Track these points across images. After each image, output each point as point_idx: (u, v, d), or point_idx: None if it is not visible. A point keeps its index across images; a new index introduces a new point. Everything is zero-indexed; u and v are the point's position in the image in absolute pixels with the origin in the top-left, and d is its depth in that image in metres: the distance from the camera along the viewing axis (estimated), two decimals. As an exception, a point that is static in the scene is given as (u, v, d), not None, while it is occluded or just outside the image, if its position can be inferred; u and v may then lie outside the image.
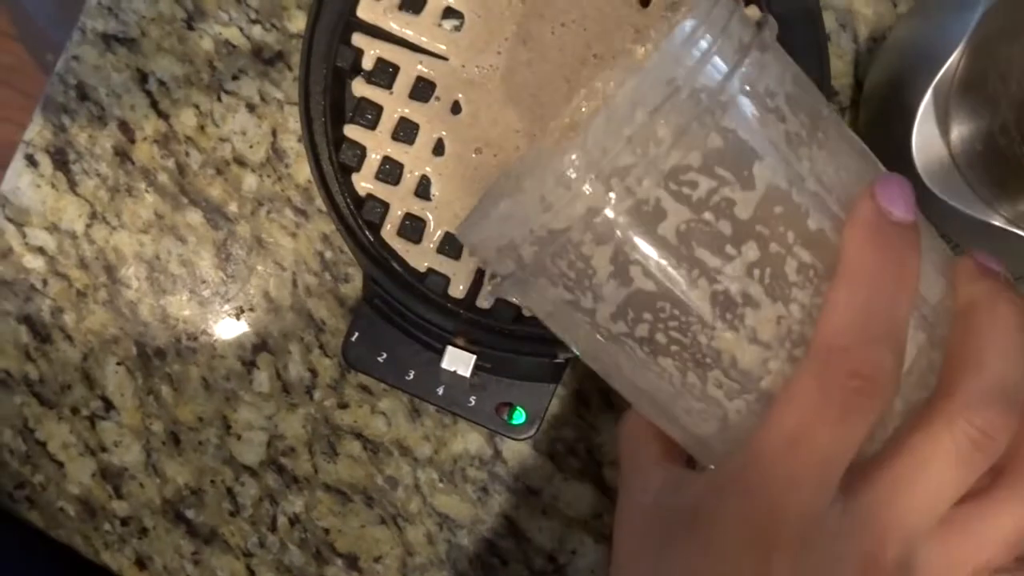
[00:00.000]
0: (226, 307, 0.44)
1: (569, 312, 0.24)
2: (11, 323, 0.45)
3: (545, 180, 0.22)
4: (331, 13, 0.39)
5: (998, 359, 0.23)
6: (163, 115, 0.44)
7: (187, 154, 0.44)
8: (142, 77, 0.44)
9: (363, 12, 0.39)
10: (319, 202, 0.43)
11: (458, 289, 0.39)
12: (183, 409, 0.45)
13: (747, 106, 0.23)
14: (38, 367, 0.45)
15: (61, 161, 0.45)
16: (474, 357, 0.38)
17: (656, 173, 0.22)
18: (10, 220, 0.45)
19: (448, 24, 0.39)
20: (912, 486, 0.23)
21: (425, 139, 0.38)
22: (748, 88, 0.23)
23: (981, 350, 0.24)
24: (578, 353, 0.27)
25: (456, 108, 0.38)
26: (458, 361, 0.39)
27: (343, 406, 0.44)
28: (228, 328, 0.44)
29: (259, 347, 0.44)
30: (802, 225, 0.23)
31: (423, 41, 0.39)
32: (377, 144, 0.39)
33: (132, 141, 0.44)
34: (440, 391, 0.40)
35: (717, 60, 0.23)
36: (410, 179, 0.39)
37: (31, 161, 0.45)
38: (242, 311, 0.44)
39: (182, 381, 0.45)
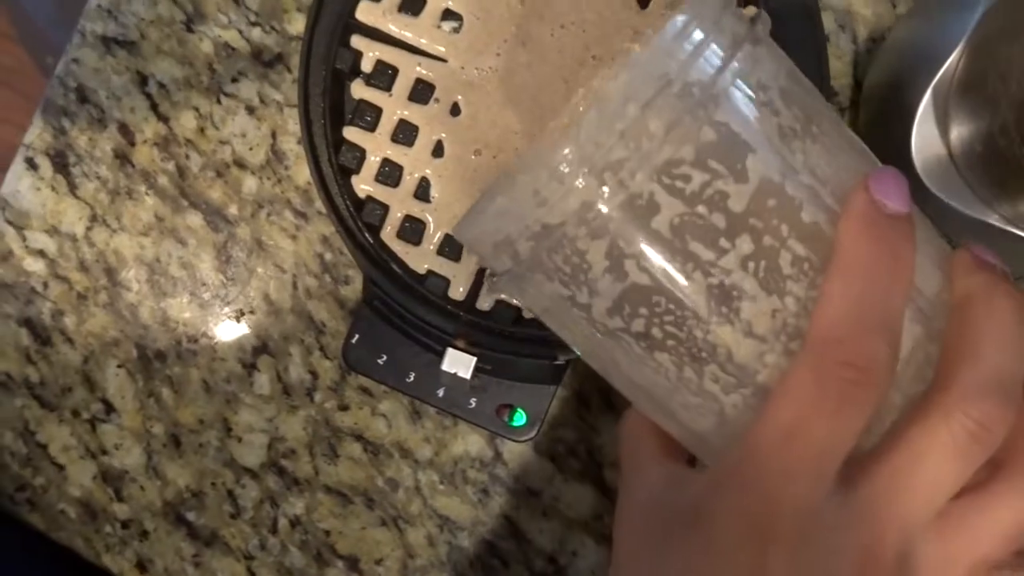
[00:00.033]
0: (226, 309, 0.44)
1: (566, 308, 0.24)
2: (12, 326, 0.45)
3: (539, 175, 0.22)
4: (330, 15, 0.39)
5: (994, 351, 0.23)
6: (163, 118, 0.44)
7: (187, 156, 0.44)
8: (142, 80, 0.44)
9: (362, 14, 0.39)
10: (319, 204, 0.43)
11: (458, 291, 0.39)
12: (184, 411, 0.45)
13: (740, 100, 0.23)
14: (39, 370, 0.45)
15: (61, 164, 0.45)
16: (474, 359, 0.39)
17: (649, 167, 0.22)
18: (10, 223, 0.45)
19: (447, 26, 0.39)
20: (910, 479, 0.23)
21: (424, 141, 0.38)
22: (741, 82, 0.23)
23: (977, 342, 0.24)
24: (576, 350, 0.27)
25: (455, 110, 0.38)
26: (458, 363, 0.39)
27: (343, 408, 0.44)
28: (228, 330, 0.44)
29: (259, 349, 0.44)
30: (796, 218, 0.23)
31: (422, 43, 0.39)
32: (377, 146, 0.39)
33: (132, 144, 0.44)
34: (440, 393, 0.40)
35: (709, 54, 0.23)
36: (410, 181, 0.39)
37: (31, 164, 0.45)
38: (242, 313, 0.44)
39: (183, 383, 0.45)
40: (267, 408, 0.44)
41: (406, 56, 0.38)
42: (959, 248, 0.26)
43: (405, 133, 0.39)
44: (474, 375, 0.39)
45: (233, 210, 0.44)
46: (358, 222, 0.39)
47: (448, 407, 0.40)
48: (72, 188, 0.45)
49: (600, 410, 0.44)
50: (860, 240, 0.23)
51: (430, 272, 0.39)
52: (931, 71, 0.35)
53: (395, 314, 0.39)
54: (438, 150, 0.38)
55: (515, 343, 0.38)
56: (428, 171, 0.38)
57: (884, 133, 0.40)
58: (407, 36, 0.39)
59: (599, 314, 0.24)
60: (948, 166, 0.36)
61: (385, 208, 0.39)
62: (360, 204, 0.39)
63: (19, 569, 0.45)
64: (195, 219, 0.44)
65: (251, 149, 0.44)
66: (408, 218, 0.39)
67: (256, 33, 0.44)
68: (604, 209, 0.22)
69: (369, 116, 0.39)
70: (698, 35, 0.23)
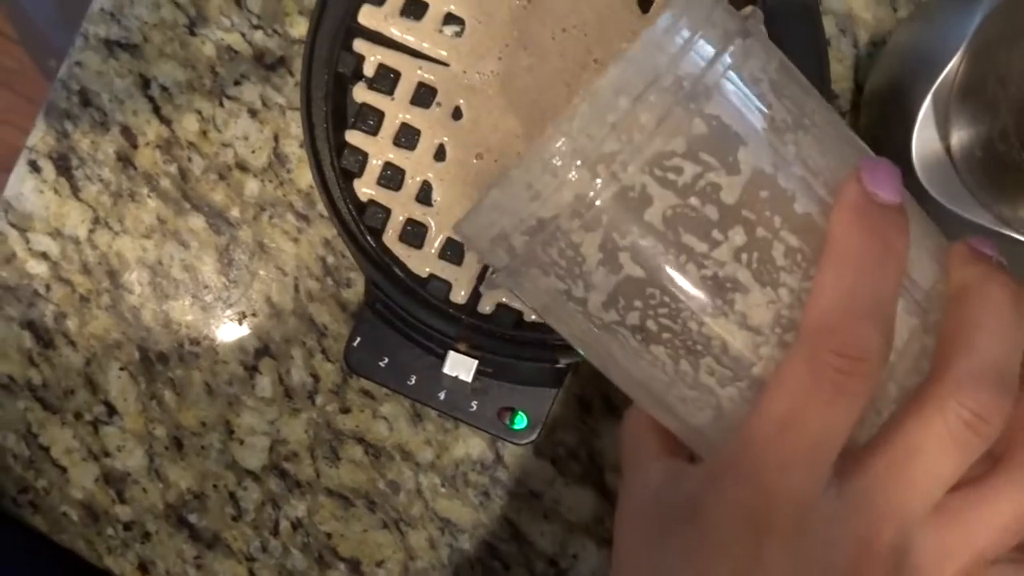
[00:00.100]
0: (228, 312, 0.45)
1: (562, 302, 0.24)
2: (14, 328, 0.45)
3: (532, 168, 0.23)
4: (333, 19, 0.39)
5: (990, 341, 0.23)
6: (165, 120, 0.44)
7: (189, 159, 0.44)
8: (144, 83, 0.45)
9: (364, 18, 0.39)
10: (321, 207, 0.44)
11: (460, 295, 0.39)
12: (186, 414, 0.45)
13: (731, 92, 0.23)
14: (41, 372, 0.45)
15: (64, 167, 0.45)
16: (476, 362, 0.39)
17: (641, 159, 0.22)
18: (13, 225, 0.45)
19: (449, 30, 0.39)
20: (906, 471, 0.23)
21: (426, 145, 0.39)
22: (732, 75, 0.23)
23: (973, 332, 0.23)
24: (574, 345, 0.27)
25: (457, 114, 0.38)
26: (460, 366, 0.39)
27: (345, 411, 0.44)
28: (230, 333, 0.45)
29: (261, 352, 0.45)
30: (789, 209, 0.23)
31: (424, 47, 0.39)
32: (379, 150, 0.39)
33: (135, 146, 0.45)
34: (442, 396, 0.40)
35: (700, 47, 0.23)
36: (411, 184, 0.39)
37: (34, 167, 0.45)
38: (244, 316, 0.45)
39: (185, 386, 0.45)
40: (269, 411, 0.44)
41: (408, 60, 0.39)
42: (957, 241, 0.26)
43: (407, 137, 0.39)
44: (475, 378, 0.39)
45: (235, 213, 0.44)
46: (360, 225, 0.39)
47: (449, 410, 0.40)
48: (75, 191, 0.45)
49: (601, 413, 0.44)
50: (852, 230, 0.23)
51: (432, 275, 0.39)
52: (932, 75, 0.35)
53: (397, 317, 0.39)
54: (440, 154, 0.39)
55: (516, 346, 0.38)
56: (430, 175, 0.39)
57: (885, 137, 0.40)
58: (409, 40, 0.39)
59: (595, 308, 0.24)
60: (948, 170, 0.36)
61: (387, 211, 0.39)
62: (362, 207, 0.39)
63: (21, 571, 0.45)
64: (197, 222, 0.44)
65: (253, 152, 0.44)
66: (410, 221, 0.39)
67: (258, 36, 0.44)
68: (597, 201, 0.22)
69: (371, 120, 0.39)
70: (688, 29, 0.23)
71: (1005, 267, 0.25)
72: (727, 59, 0.23)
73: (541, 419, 0.40)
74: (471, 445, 0.44)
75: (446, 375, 0.39)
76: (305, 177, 0.44)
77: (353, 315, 0.44)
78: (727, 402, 0.24)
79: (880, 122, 0.41)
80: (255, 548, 0.45)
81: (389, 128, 0.39)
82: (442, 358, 0.39)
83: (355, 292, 0.44)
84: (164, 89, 0.45)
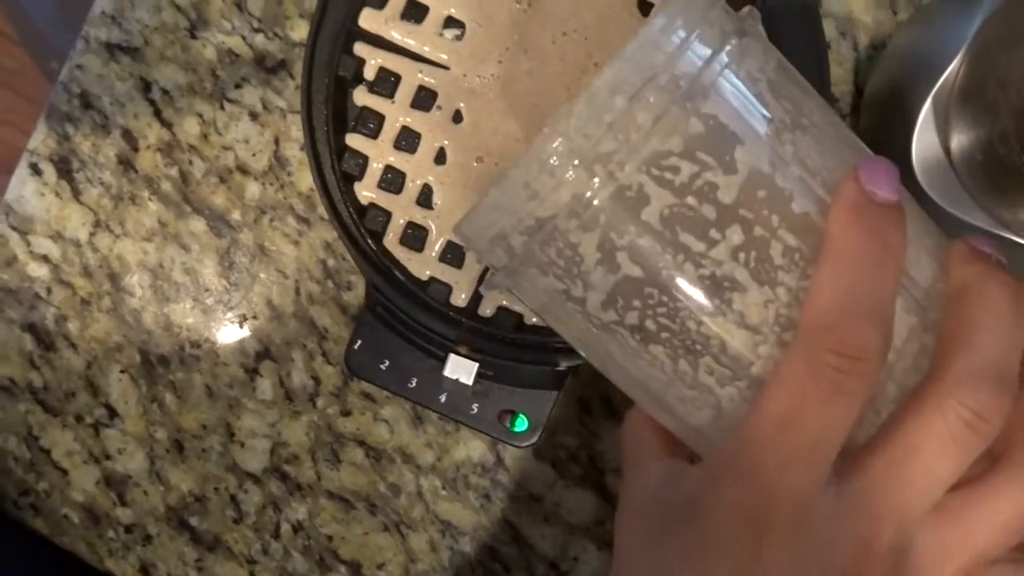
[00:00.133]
0: (229, 315, 0.45)
1: (561, 302, 0.24)
2: (15, 331, 0.45)
3: (530, 168, 0.23)
4: (333, 22, 0.39)
5: (989, 339, 0.23)
6: (166, 124, 0.45)
7: (190, 162, 0.44)
8: (145, 86, 0.45)
9: (365, 21, 0.39)
10: (321, 210, 0.44)
11: (460, 298, 0.39)
12: (187, 417, 0.45)
13: (728, 92, 0.23)
14: (42, 375, 0.45)
15: (65, 170, 0.45)
16: (476, 365, 0.39)
17: (638, 158, 0.22)
18: (14, 228, 0.45)
19: (449, 33, 0.39)
20: (905, 470, 0.23)
21: (427, 148, 0.39)
22: (729, 74, 0.23)
23: (972, 331, 0.23)
24: (574, 345, 0.27)
25: (458, 117, 0.39)
26: (460, 369, 0.39)
27: (346, 413, 0.44)
28: (231, 336, 0.45)
29: (262, 355, 0.45)
30: (786, 209, 0.23)
31: (425, 51, 0.39)
32: (379, 153, 0.39)
33: (135, 149, 0.45)
34: (442, 398, 0.40)
35: (697, 47, 0.23)
36: (412, 188, 0.39)
37: (35, 170, 0.45)
38: (245, 319, 0.45)
39: (186, 389, 0.45)
40: (269, 413, 0.45)
41: (408, 63, 0.39)
42: (956, 240, 0.26)
43: (408, 140, 0.39)
44: (476, 381, 0.39)
45: (236, 216, 0.44)
46: (361, 228, 0.39)
47: (450, 413, 0.40)
48: (76, 193, 0.45)
49: (602, 416, 0.44)
50: (850, 229, 0.23)
51: (432, 278, 0.39)
52: (932, 78, 0.35)
53: (397, 320, 0.39)
54: (440, 157, 0.39)
55: (517, 349, 0.38)
56: (430, 178, 0.39)
57: (885, 140, 0.40)
58: (410, 43, 0.39)
59: (593, 307, 0.24)
60: (948, 173, 0.36)
61: (388, 215, 0.39)
62: (363, 210, 0.39)
63: (22, 574, 0.45)
64: (198, 225, 0.44)
65: (254, 155, 0.44)
66: (410, 225, 0.39)
67: (259, 39, 0.44)
68: (595, 201, 0.23)
69: (372, 123, 0.39)
70: (685, 28, 0.23)
71: (1005, 266, 0.25)
72: (724, 58, 0.23)
73: (542, 422, 0.40)
74: (472, 448, 0.44)
75: (447, 378, 0.39)
76: (306, 180, 0.44)
77: (354, 318, 0.44)
78: (726, 401, 0.24)
79: (880, 125, 0.41)
80: (256, 551, 0.45)
81: (390, 131, 0.39)
82: (443, 361, 0.39)
83: (356, 295, 0.44)
84: (165, 92, 0.45)
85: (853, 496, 0.23)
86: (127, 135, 0.45)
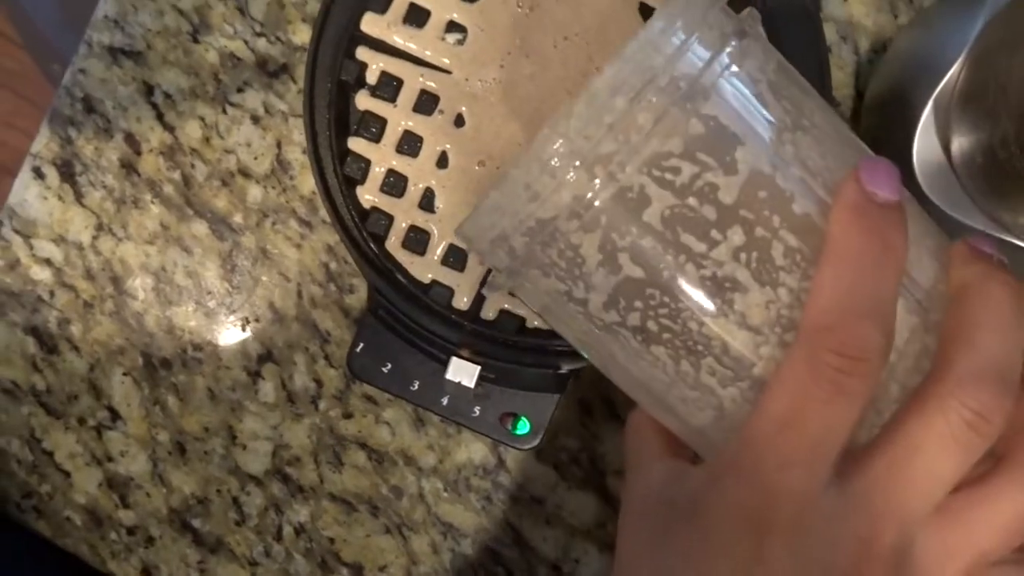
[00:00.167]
0: (231, 318, 0.45)
1: (563, 303, 0.24)
2: (18, 334, 0.45)
3: (530, 169, 0.23)
4: (335, 27, 0.39)
5: (990, 339, 0.23)
6: (169, 127, 0.45)
7: (192, 166, 0.45)
8: (148, 90, 0.45)
9: (367, 26, 0.39)
10: (323, 213, 0.44)
11: (462, 301, 0.39)
12: (189, 419, 0.45)
13: (728, 93, 0.23)
14: (45, 377, 0.45)
15: (68, 173, 0.45)
16: (478, 368, 0.39)
17: (638, 159, 0.22)
18: (17, 232, 0.45)
19: (451, 38, 0.39)
20: (906, 471, 0.23)
21: (429, 152, 0.39)
22: (729, 75, 0.23)
23: (973, 331, 0.23)
24: (576, 346, 0.27)
25: (459, 121, 0.39)
26: (462, 372, 0.39)
27: (348, 416, 0.44)
28: (233, 338, 0.45)
29: (264, 357, 0.45)
30: (787, 209, 0.23)
31: (427, 55, 0.39)
32: (381, 157, 0.39)
33: (138, 153, 0.45)
34: (444, 401, 0.40)
35: (697, 48, 0.23)
36: (414, 191, 0.39)
37: (38, 173, 0.45)
38: (247, 322, 0.45)
39: (188, 391, 0.45)
40: (272, 416, 0.45)
41: (410, 68, 0.39)
42: (957, 240, 0.26)
43: (410, 144, 0.39)
44: (478, 384, 0.39)
45: (238, 219, 0.44)
46: (363, 232, 0.39)
47: (452, 415, 0.40)
48: (78, 197, 0.45)
49: (603, 418, 0.44)
50: (851, 230, 0.23)
51: (434, 282, 0.39)
52: (932, 82, 0.35)
53: (399, 323, 0.39)
54: (442, 161, 0.39)
55: (519, 352, 0.38)
56: (432, 182, 0.39)
57: (886, 143, 0.40)
58: (412, 48, 0.39)
59: (595, 308, 0.24)
60: (949, 176, 0.36)
61: (390, 218, 0.39)
62: (365, 214, 0.39)
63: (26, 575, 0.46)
64: (200, 228, 0.45)
65: (256, 158, 0.44)
66: (413, 228, 0.39)
67: (261, 44, 0.44)
68: (595, 202, 0.23)
69: (374, 127, 0.39)
70: (685, 30, 0.23)
71: (1006, 266, 0.25)
72: (724, 59, 0.23)
73: (543, 424, 0.40)
74: (473, 450, 0.44)
75: (449, 381, 0.39)
76: (308, 183, 0.44)
77: (356, 321, 0.44)
78: (728, 402, 0.24)
79: (881, 128, 0.41)
80: (258, 553, 0.45)
81: (392, 135, 0.39)
82: (445, 364, 0.39)
83: (358, 298, 0.44)
84: (167, 96, 0.45)
85: (854, 496, 0.23)
86: (129, 139, 0.45)
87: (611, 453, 0.44)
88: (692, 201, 0.23)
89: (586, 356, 0.27)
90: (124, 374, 0.45)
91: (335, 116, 0.39)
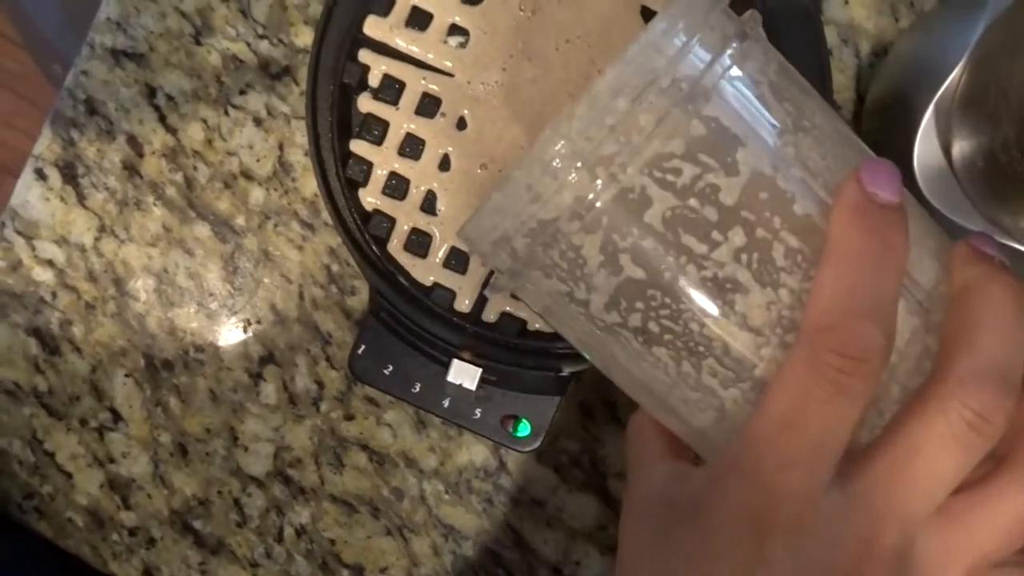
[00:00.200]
0: (233, 319, 0.45)
1: (564, 304, 0.25)
2: (20, 335, 0.45)
3: (532, 170, 0.23)
4: (338, 29, 0.39)
5: (992, 340, 0.23)
6: (171, 129, 0.45)
7: (195, 168, 0.45)
8: (150, 92, 0.45)
9: (370, 29, 0.39)
10: (326, 215, 0.44)
11: (464, 303, 0.39)
12: (190, 421, 0.45)
13: (729, 94, 0.23)
14: (47, 379, 0.45)
15: (70, 175, 0.45)
16: (480, 370, 0.39)
17: (640, 160, 0.22)
18: (19, 233, 0.45)
19: (454, 41, 0.39)
20: (908, 472, 0.23)
21: (431, 155, 0.39)
22: (730, 76, 0.23)
23: (974, 331, 0.23)
24: (577, 347, 0.27)
25: (462, 124, 0.39)
26: (464, 374, 0.39)
27: (349, 418, 0.45)
28: (235, 340, 0.45)
29: (266, 359, 0.45)
30: (788, 210, 0.23)
31: (429, 58, 0.39)
32: (383, 159, 0.39)
33: (140, 155, 0.45)
34: (446, 403, 0.40)
35: (698, 49, 0.23)
36: (416, 194, 0.39)
37: (40, 175, 0.45)
38: (249, 323, 0.45)
39: (189, 393, 0.45)
40: (273, 417, 0.45)
41: (413, 70, 0.39)
42: (959, 241, 0.26)
43: (412, 147, 0.39)
44: (479, 386, 0.39)
45: (240, 221, 0.45)
46: (365, 234, 0.39)
47: (453, 417, 0.40)
48: (81, 199, 0.45)
49: (604, 421, 0.44)
50: (852, 231, 0.23)
51: (436, 284, 0.39)
52: (933, 85, 0.36)
53: (401, 325, 0.39)
54: (444, 164, 0.39)
55: (520, 355, 0.39)
56: (434, 184, 0.39)
57: (887, 147, 0.40)
58: (414, 51, 0.39)
59: (597, 309, 0.24)
60: (950, 180, 0.36)
61: (392, 221, 0.39)
62: (367, 216, 0.39)
63: (27, 577, 0.46)
64: (202, 230, 0.45)
65: (258, 161, 0.45)
66: (414, 231, 0.39)
67: (264, 46, 0.45)
68: (597, 203, 0.23)
69: (376, 130, 0.39)
70: (687, 31, 0.23)
71: (1007, 267, 0.25)
72: (725, 61, 0.23)
73: (544, 427, 0.40)
74: (475, 452, 0.44)
75: (450, 383, 0.39)
76: (310, 185, 0.44)
77: (357, 323, 0.44)
78: (730, 403, 0.24)
79: (882, 132, 0.41)
80: (259, 554, 0.45)
81: (394, 138, 0.39)
82: (446, 366, 0.39)
83: (359, 300, 0.44)
84: (170, 98, 0.45)
85: (856, 497, 0.23)
86: (132, 141, 0.45)
87: (612, 455, 0.44)
88: (693, 202, 0.23)
89: (587, 357, 0.27)
90: (126, 375, 0.45)
91: (337, 119, 0.39)
